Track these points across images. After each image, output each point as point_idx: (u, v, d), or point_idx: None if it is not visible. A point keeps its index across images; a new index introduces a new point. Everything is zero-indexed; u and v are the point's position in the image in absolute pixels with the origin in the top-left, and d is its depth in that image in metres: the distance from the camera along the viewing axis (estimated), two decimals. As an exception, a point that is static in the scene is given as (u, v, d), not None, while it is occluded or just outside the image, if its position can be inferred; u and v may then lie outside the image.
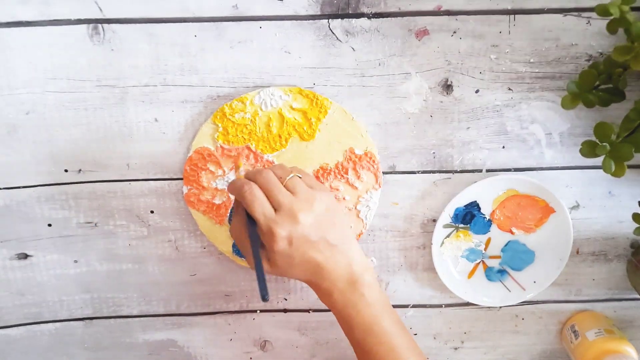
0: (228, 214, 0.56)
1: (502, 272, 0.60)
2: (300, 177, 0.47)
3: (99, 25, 0.51)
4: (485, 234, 0.59)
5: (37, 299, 0.60)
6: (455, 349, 0.64)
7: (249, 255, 0.47)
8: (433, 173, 0.57)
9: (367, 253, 0.59)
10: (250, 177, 0.46)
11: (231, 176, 0.55)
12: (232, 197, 0.55)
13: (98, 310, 0.61)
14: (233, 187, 0.47)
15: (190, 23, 0.51)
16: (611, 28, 0.46)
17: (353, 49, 0.53)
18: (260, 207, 0.44)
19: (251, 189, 0.44)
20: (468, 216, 0.58)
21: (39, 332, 0.62)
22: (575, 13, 0.52)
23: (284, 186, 0.45)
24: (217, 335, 0.63)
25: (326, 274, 0.46)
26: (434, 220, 0.58)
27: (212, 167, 0.55)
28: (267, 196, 0.44)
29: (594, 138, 0.49)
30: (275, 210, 0.44)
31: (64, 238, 0.58)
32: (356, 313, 0.46)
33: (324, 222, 0.45)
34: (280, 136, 0.54)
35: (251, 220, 0.45)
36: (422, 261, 0.60)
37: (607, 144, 0.48)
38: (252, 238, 0.45)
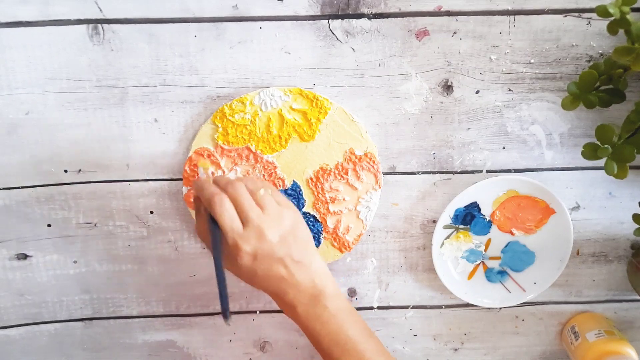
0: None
1: (502, 273, 0.60)
2: (269, 193, 0.47)
3: (99, 25, 0.51)
4: (485, 234, 0.59)
5: (36, 300, 0.60)
6: (455, 350, 0.64)
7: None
8: (433, 174, 0.57)
9: (367, 254, 0.59)
10: (222, 186, 0.46)
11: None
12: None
13: (97, 311, 0.61)
14: (201, 191, 0.46)
15: (190, 23, 0.51)
16: (612, 29, 0.46)
17: (353, 49, 0.53)
18: (229, 221, 0.44)
19: (222, 201, 0.44)
20: (468, 217, 0.58)
21: (38, 333, 0.62)
22: (576, 14, 0.52)
23: (254, 201, 0.46)
24: (217, 336, 0.63)
25: (289, 288, 0.46)
26: (434, 221, 0.58)
27: (212, 168, 0.55)
28: (236, 209, 0.45)
29: (594, 139, 0.49)
30: (243, 224, 0.44)
31: (64, 238, 0.58)
32: (320, 325, 0.47)
33: (289, 239, 0.46)
34: (280, 137, 0.54)
35: (215, 227, 0.45)
36: (422, 262, 0.60)
37: (609, 146, 0.48)
38: (215, 248, 0.45)
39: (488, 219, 0.58)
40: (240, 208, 0.44)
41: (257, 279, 0.46)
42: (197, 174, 0.53)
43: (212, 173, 0.55)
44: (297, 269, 0.46)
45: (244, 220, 0.44)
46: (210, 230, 0.45)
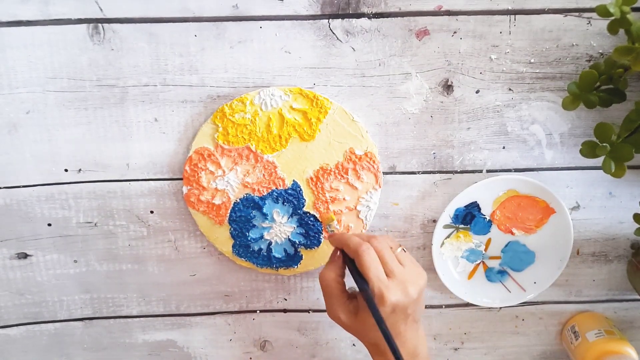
0: (228, 214, 0.56)
1: (502, 272, 0.60)
2: (405, 252, 0.49)
3: (99, 24, 0.51)
4: (485, 234, 0.59)
5: (36, 299, 0.60)
6: (456, 349, 0.64)
7: (333, 301, 0.48)
8: (433, 173, 0.57)
9: (367, 253, 0.59)
10: (364, 238, 0.48)
11: (231, 176, 0.55)
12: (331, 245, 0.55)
13: (98, 311, 0.61)
14: (344, 241, 0.48)
15: (190, 23, 0.51)
16: (612, 28, 0.46)
17: (353, 49, 0.53)
18: (376, 270, 0.45)
19: (369, 251, 0.45)
20: (468, 217, 0.58)
21: (38, 332, 0.62)
22: (576, 13, 0.52)
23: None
24: (217, 336, 0.63)
25: (398, 344, 0.46)
26: (434, 221, 0.58)
27: (212, 168, 0.55)
28: (380, 261, 0.46)
29: (594, 138, 0.49)
30: (388, 276, 0.45)
31: (64, 238, 0.58)
32: None
33: (420, 299, 0.47)
34: (280, 136, 0.54)
35: (360, 280, 0.46)
36: (422, 262, 0.60)
37: (608, 145, 0.48)
38: (368, 299, 0.45)
39: (488, 218, 0.58)
40: (384, 260, 0.46)
41: (374, 328, 0.46)
42: (326, 230, 0.55)
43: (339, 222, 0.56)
44: (411, 329, 0.47)
45: (389, 273, 0.45)
46: (355, 279, 0.46)
